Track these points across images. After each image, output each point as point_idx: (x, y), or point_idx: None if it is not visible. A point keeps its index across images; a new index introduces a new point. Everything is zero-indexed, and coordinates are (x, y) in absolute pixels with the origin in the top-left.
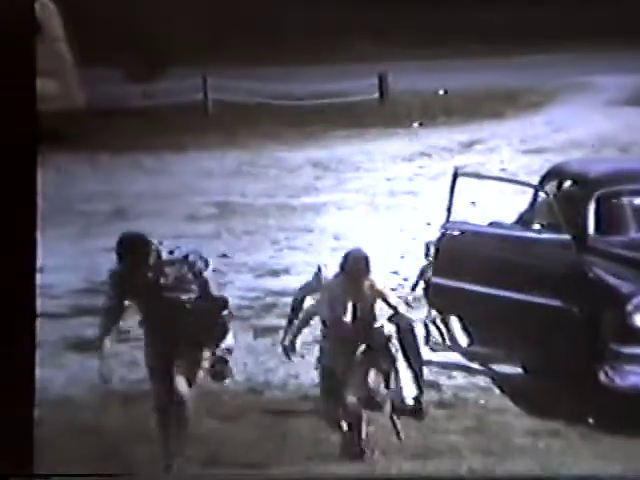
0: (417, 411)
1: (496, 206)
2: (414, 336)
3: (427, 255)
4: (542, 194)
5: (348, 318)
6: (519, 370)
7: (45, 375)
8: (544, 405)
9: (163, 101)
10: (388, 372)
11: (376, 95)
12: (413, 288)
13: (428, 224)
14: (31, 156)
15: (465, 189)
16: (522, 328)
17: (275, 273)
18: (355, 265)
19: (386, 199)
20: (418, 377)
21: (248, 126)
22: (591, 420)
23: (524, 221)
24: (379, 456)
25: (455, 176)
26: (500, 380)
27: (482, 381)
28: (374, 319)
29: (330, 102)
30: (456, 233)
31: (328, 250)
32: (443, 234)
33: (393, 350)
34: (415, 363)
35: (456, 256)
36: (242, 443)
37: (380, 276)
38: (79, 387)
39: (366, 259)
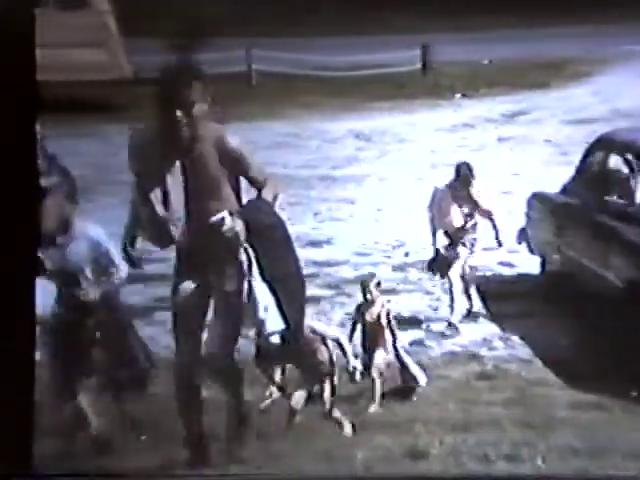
0: None
1: (538, 177)
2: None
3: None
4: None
5: None
6: (563, 342)
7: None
8: (587, 378)
9: (207, 72)
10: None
11: (419, 66)
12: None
13: None
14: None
15: (509, 160)
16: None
17: (317, 244)
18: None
19: (428, 170)
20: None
21: (291, 97)
22: (634, 393)
23: (568, 192)
24: (420, 428)
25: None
26: (542, 352)
27: (524, 353)
28: None
29: (373, 73)
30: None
31: (370, 222)
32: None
33: None
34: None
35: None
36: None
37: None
38: None
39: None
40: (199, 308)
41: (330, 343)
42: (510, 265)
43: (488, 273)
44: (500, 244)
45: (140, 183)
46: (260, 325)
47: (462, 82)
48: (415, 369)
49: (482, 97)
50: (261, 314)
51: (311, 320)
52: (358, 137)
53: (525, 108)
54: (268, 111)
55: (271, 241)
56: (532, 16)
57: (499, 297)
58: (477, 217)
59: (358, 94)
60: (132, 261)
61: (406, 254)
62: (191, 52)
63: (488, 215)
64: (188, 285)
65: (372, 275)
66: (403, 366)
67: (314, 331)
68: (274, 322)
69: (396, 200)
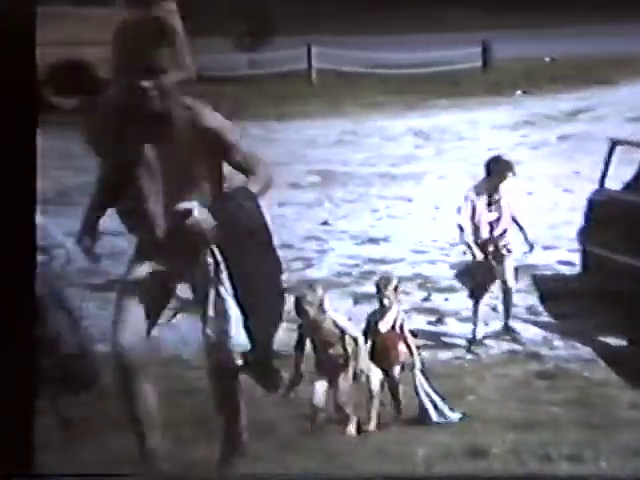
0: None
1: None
2: None
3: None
4: None
5: None
6: (624, 342)
7: (157, 335)
8: None
9: (269, 70)
10: None
11: (479, 63)
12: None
13: (529, 194)
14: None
15: (570, 158)
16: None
17: (375, 241)
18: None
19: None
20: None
21: (351, 95)
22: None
23: (631, 190)
24: (479, 426)
25: (613, 145)
26: (605, 352)
27: (585, 353)
28: None
29: (433, 71)
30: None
31: (427, 219)
32: (591, 202)
33: None
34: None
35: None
36: None
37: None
38: (189, 347)
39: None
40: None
41: (347, 339)
42: (570, 264)
43: (548, 272)
44: (531, 247)
45: (107, 177)
46: (222, 341)
47: (523, 79)
48: (428, 403)
49: (543, 94)
50: (228, 328)
51: (334, 312)
52: (417, 135)
53: (588, 105)
54: (328, 109)
55: (245, 246)
56: (594, 13)
57: (559, 296)
58: (505, 221)
59: (418, 92)
60: (88, 253)
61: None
62: (253, 50)
63: (514, 219)
64: (145, 269)
65: (389, 276)
66: (417, 395)
67: (335, 324)
68: (239, 339)
69: (454, 198)
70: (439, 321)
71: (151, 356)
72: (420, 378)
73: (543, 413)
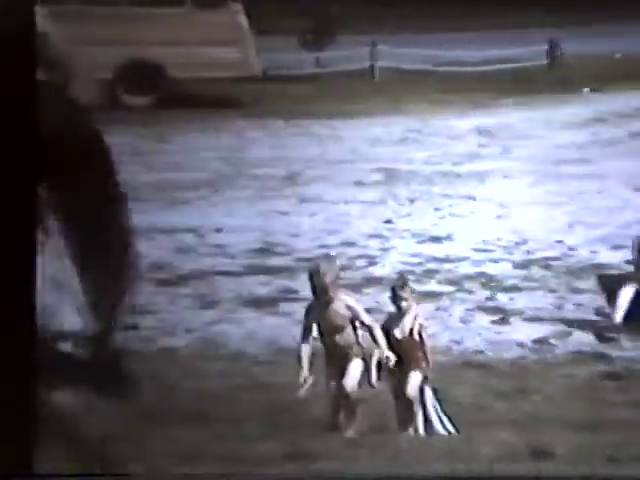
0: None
1: None
2: None
3: None
4: None
5: None
6: None
7: (223, 330)
8: None
9: (333, 68)
10: None
11: (546, 61)
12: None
13: (599, 192)
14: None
15: None
16: None
17: (437, 240)
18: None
19: (553, 167)
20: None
21: (415, 93)
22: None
23: None
24: (543, 426)
25: None
26: None
27: None
28: None
29: (499, 68)
30: None
31: (491, 218)
32: None
33: None
34: None
35: None
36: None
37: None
38: (254, 343)
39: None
40: None
41: (358, 325)
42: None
43: (614, 271)
44: None
45: None
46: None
47: (591, 77)
48: (437, 424)
49: (613, 91)
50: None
51: (346, 295)
52: (481, 133)
53: None
54: (392, 107)
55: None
56: None
57: None
58: None
59: (483, 90)
60: None
61: (527, 252)
62: (318, 49)
63: None
64: None
65: (404, 278)
66: (426, 420)
67: (349, 308)
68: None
69: (519, 197)
70: (503, 320)
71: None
72: (428, 390)
73: (610, 414)
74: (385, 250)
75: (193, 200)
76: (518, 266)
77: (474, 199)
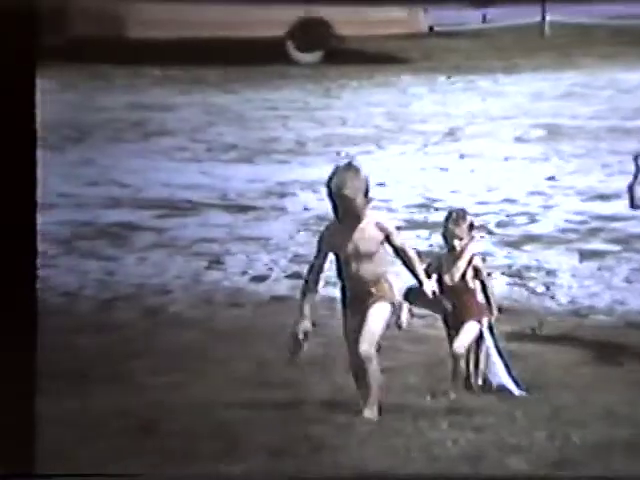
0: None
1: None
2: None
3: None
4: None
5: None
6: None
7: None
8: None
9: (501, 24)
10: None
11: None
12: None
13: None
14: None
15: None
16: None
17: (605, 197)
18: None
19: None
20: None
21: (584, 47)
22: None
23: None
24: None
25: None
26: None
27: None
28: None
29: None
30: None
31: None
32: None
33: None
34: None
35: None
36: (562, 366)
37: None
38: None
39: None
40: None
41: (390, 250)
42: None
43: None
44: None
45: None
46: None
47: None
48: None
49: None
50: None
51: (377, 212)
52: None
53: None
54: (560, 62)
55: None
56: None
57: None
58: None
59: None
60: None
61: None
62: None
63: None
64: None
65: (462, 211)
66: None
67: (380, 227)
68: None
69: None
70: None
71: None
72: (489, 341)
73: None
74: (547, 208)
75: (357, 155)
76: None
77: None
